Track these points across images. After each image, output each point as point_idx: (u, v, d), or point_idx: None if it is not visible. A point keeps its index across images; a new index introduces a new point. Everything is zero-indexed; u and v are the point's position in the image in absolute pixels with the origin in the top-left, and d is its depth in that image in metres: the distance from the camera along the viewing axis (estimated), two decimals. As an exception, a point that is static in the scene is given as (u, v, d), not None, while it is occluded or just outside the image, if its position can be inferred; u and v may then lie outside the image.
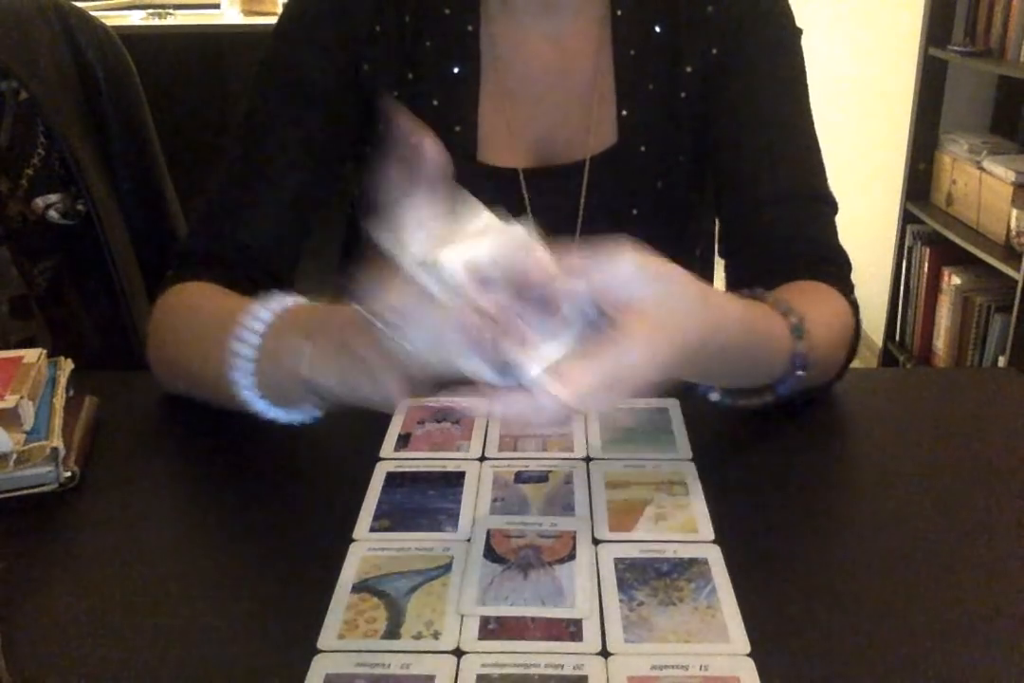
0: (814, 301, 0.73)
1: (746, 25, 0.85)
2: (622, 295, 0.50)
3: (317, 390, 0.62)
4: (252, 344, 0.64)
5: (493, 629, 0.52)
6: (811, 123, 0.87)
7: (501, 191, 0.86)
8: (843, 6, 2.99)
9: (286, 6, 0.88)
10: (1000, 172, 2.09)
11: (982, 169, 2.15)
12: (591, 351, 0.48)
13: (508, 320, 0.46)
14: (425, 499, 0.64)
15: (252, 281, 0.78)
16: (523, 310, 0.47)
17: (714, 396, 0.70)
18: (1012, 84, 2.25)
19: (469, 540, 0.59)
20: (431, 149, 0.49)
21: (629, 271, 0.50)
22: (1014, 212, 2.04)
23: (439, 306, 0.47)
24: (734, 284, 0.87)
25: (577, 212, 0.87)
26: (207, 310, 0.73)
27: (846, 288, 0.79)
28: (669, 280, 0.52)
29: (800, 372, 0.67)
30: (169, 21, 2.63)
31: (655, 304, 0.50)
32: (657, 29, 0.85)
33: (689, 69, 0.86)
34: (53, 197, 1.03)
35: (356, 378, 0.56)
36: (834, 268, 0.81)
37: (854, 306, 0.78)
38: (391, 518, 0.62)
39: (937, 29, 2.25)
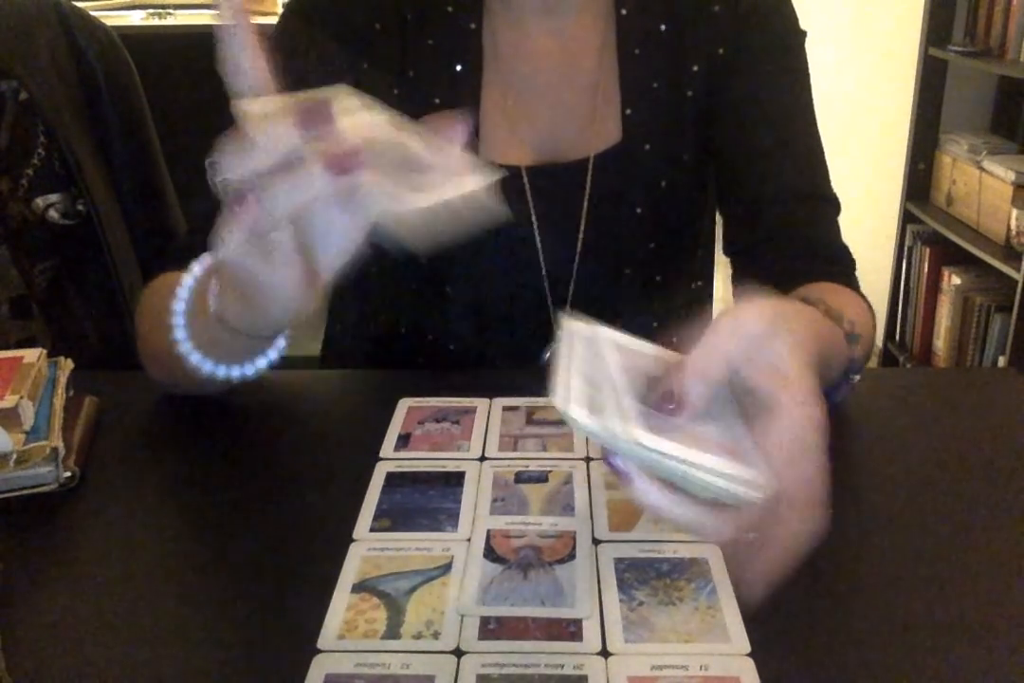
0: (849, 304, 0.73)
1: (752, 24, 0.85)
2: (758, 362, 0.45)
3: (228, 320, 0.61)
4: (184, 298, 0.66)
5: (493, 629, 0.52)
6: (814, 123, 0.87)
7: (504, 189, 0.86)
8: (843, 6, 2.99)
9: (286, 4, 0.88)
10: (1000, 172, 2.09)
11: (982, 169, 2.15)
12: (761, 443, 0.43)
13: None
14: (425, 499, 0.64)
15: None
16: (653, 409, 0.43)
17: None
18: (1012, 84, 2.25)
19: (469, 540, 0.59)
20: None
21: (756, 336, 0.45)
22: (1014, 212, 2.04)
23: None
24: (737, 283, 0.88)
25: (581, 210, 0.87)
26: (165, 290, 0.74)
27: (856, 287, 0.79)
28: (780, 321, 0.46)
29: (855, 377, 0.68)
30: (169, 21, 2.63)
31: (784, 356, 0.45)
32: (662, 28, 0.85)
33: (695, 68, 0.86)
34: (53, 197, 1.03)
35: (254, 289, 0.55)
36: (840, 267, 0.82)
37: (869, 306, 0.79)
38: (391, 518, 0.62)
39: (937, 29, 2.25)
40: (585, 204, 0.87)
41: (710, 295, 1.08)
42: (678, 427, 0.43)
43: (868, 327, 0.75)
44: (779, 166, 0.85)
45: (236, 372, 0.69)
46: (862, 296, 0.79)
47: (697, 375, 0.43)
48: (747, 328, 0.44)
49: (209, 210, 0.83)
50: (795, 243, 0.83)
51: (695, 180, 0.90)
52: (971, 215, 2.21)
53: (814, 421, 0.43)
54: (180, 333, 0.66)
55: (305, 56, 0.84)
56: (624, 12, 0.85)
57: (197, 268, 0.66)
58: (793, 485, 0.42)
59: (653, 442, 0.41)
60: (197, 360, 0.67)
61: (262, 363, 0.69)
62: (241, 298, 0.58)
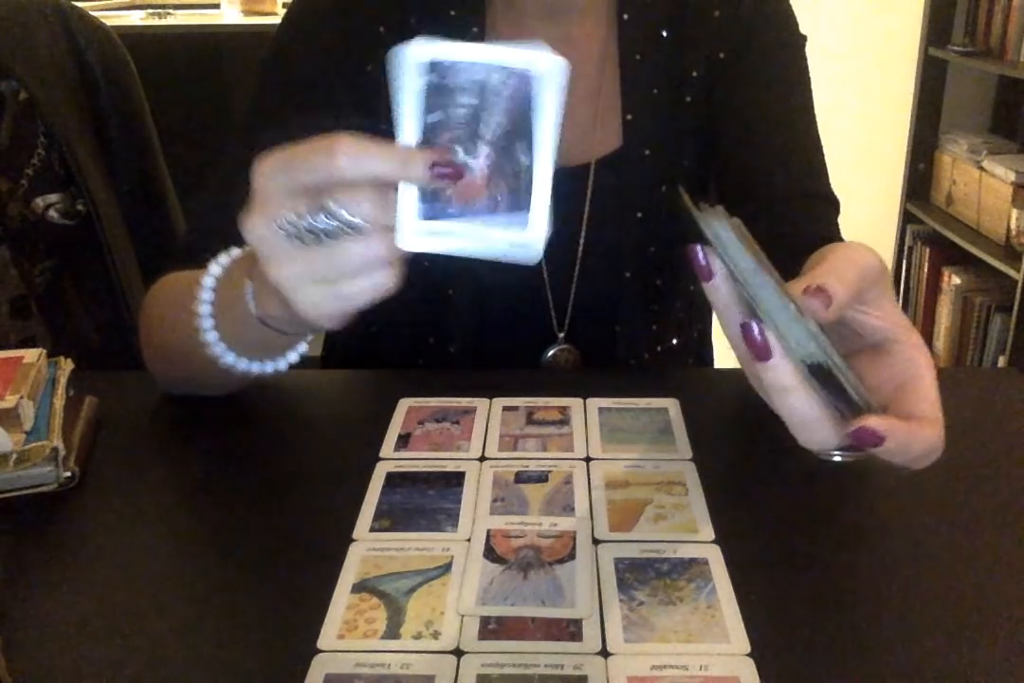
0: None
1: (753, 28, 0.86)
2: (874, 300, 0.47)
3: (269, 323, 0.61)
4: (209, 300, 0.65)
5: (493, 629, 0.52)
6: (815, 124, 0.88)
7: None
8: (843, 6, 2.99)
9: (289, 6, 0.88)
10: (1000, 172, 2.09)
11: (982, 169, 2.15)
12: (911, 380, 0.45)
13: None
14: (425, 499, 0.64)
15: None
16: None
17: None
18: (1012, 84, 2.25)
19: (469, 540, 0.59)
20: None
21: (875, 274, 0.46)
22: (1014, 212, 2.04)
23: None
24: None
25: (581, 215, 0.87)
26: (178, 289, 0.73)
27: None
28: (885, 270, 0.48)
29: None
30: (169, 21, 2.63)
31: (893, 301, 0.47)
32: (664, 33, 0.85)
33: (695, 74, 0.86)
34: (53, 197, 1.03)
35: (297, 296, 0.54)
36: None
37: None
38: (391, 518, 0.62)
39: (937, 29, 2.25)
40: (586, 208, 0.87)
41: (710, 297, 1.08)
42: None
43: None
44: (780, 167, 0.85)
45: (270, 367, 0.68)
46: None
47: (837, 277, 0.44)
48: (871, 262, 0.46)
49: (204, 208, 0.84)
50: (796, 242, 0.83)
51: (695, 184, 0.91)
52: (971, 215, 2.21)
53: (934, 369, 0.46)
54: (211, 335, 0.65)
55: (306, 58, 0.84)
56: (626, 17, 0.85)
57: (216, 268, 0.65)
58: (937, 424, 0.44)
59: (811, 321, 0.42)
60: (232, 359, 0.66)
61: (293, 356, 0.68)
62: (286, 302, 0.57)
